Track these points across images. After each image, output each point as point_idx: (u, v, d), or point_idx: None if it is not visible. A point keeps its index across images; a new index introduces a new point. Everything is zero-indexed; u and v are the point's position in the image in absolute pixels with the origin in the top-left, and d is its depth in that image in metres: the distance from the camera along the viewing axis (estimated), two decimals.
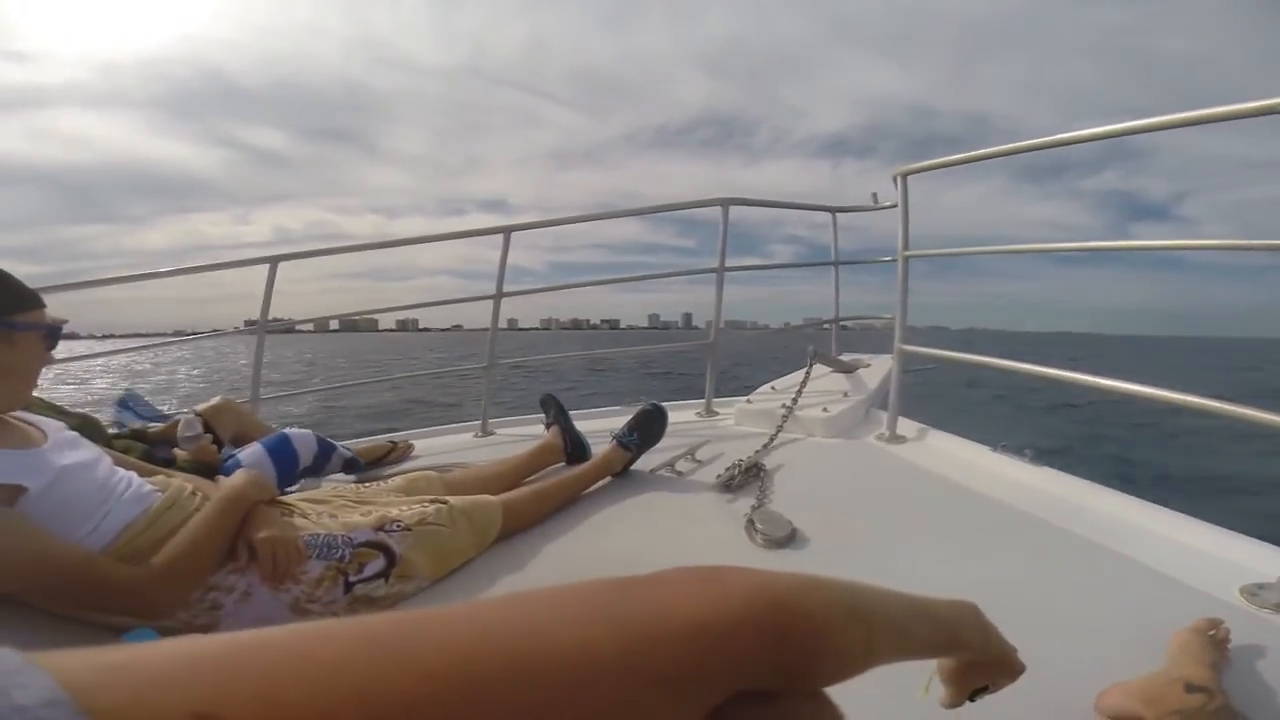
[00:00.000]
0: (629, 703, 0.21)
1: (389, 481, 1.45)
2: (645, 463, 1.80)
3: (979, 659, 0.43)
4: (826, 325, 3.16)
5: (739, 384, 2.79)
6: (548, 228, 2.87)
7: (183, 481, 1.14)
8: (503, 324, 2.46)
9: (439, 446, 2.22)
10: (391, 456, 2.02)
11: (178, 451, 1.58)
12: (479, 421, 2.41)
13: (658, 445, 1.84)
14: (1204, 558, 1.15)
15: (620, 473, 1.74)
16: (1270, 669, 0.83)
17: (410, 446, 2.11)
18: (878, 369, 2.64)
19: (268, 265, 2.34)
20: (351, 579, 1.09)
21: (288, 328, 2.53)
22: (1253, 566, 1.09)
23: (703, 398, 2.59)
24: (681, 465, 1.83)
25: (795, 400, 2.15)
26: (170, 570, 0.95)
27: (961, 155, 1.84)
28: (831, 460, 1.90)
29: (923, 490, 1.62)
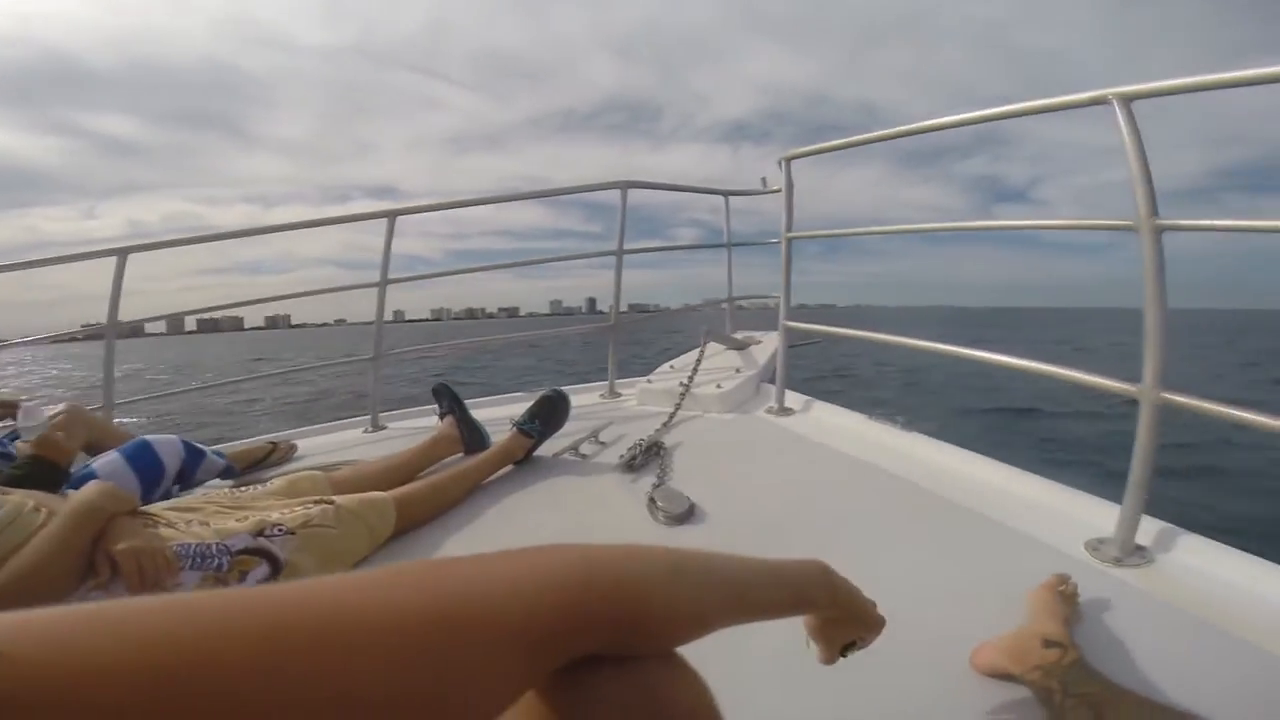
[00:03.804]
0: (438, 654, 0.22)
1: (269, 484, 1.35)
2: (549, 447, 1.79)
3: (834, 615, 0.46)
4: (724, 305, 3.27)
5: (647, 364, 2.83)
6: (440, 211, 2.74)
7: (23, 497, 1.00)
8: (388, 315, 2.33)
9: (325, 445, 2.09)
10: (272, 459, 1.88)
11: (19, 446, 1.40)
12: (368, 416, 2.29)
13: (561, 430, 1.84)
14: (1054, 515, 1.27)
15: (523, 460, 1.73)
16: (1114, 620, 0.92)
17: (293, 447, 1.97)
18: (768, 345, 2.77)
19: (115, 258, 2.06)
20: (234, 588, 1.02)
21: (135, 329, 2.24)
22: (1093, 522, 1.21)
23: (606, 379, 2.62)
24: (585, 448, 1.84)
25: (691, 378, 2.22)
26: (15, 590, 0.86)
27: (840, 141, 1.96)
28: (726, 435, 1.99)
29: (808, 460, 1.73)
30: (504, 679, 0.24)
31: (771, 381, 2.27)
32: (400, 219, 2.29)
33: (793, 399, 2.21)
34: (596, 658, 0.27)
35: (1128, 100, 1.14)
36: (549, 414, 1.79)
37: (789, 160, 2.12)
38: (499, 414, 2.05)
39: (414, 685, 0.21)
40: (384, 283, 2.28)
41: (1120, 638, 0.88)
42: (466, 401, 1.90)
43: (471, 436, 1.80)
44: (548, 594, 0.26)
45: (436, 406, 1.91)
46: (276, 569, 1.07)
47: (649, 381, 2.52)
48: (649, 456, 1.71)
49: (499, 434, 1.76)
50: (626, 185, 2.56)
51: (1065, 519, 1.25)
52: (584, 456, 1.80)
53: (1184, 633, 0.90)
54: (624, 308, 2.63)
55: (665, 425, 1.98)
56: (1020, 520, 1.26)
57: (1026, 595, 0.93)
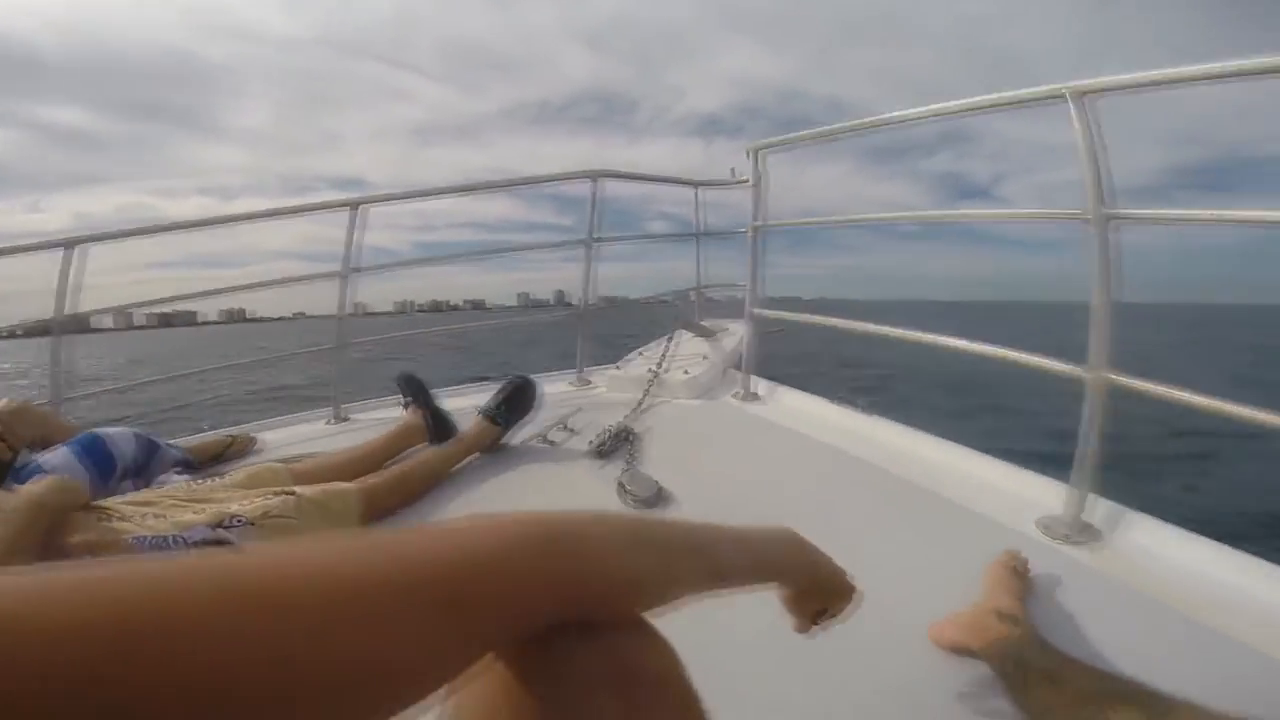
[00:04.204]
0: (386, 617, 0.22)
1: (227, 477, 1.32)
2: (517, 435, 1.78)
3: (806, 583, 0.47)
4: (691, 296, 3.29)
5: (620, 352, 2.82)
6: (407, 203, 2.67)
7: None
8: (350, 309, 2.26)
9: (287, 438, 2.04)
10: (230, 452, 1.82)
11: None
12: (330, 407, 2.24)
13: (531, 418, 1.83)
14: (1008, 495, 1.32)
15: (490, 448, 1.71)
16: (1065, 595, 0.96)
17: (252, 440, 1.92)
18: (736, 333, 2.80)
19: (62, 250, 1.95)
20: None
21: (81, 325, 2.10)
22: (1044, 501, 1.26)
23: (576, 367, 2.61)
24: (554, 435, 1.84)
25: (660, 365, 2.23)
26: None
27: (808, 132, 1.98)
28: (694, 420, 2.01)
29: (773, 443, 1.75)
30: (457, 643, 0.24)
31: (739, 368, 2.30)
32: (365, 210, 2.23)
33: (759, 384, 2.24)
34: (564, 625, 0.28)
35: (1082, 95, 1.18)
36: (517, 401, 1.77)
37: (757, 151, 2.14)
38: (465, 403, 2.03)
39: (359, 647, 0.21)
40: (347, 271, 2.22)
41: (1070, 611, 0.92)
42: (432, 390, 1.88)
43: (438, 426, 1.77)
44: (510, 558, 0.26)
45: (401, 396, 1.88)
46: None
47: (618, 368, 2.52)
48: (618, 442, 1.72)
49: (466, 423, 1.74)
50: (598, 174, 2.55)
51: (1019, 499, 1.30)
52: (553, 444, 1.80)
53: (1129, 606, 0.95)
54: (594, 299, 2.63)
55: (634, 411, 1.99)
56: (976, 500, 1.30)
57: (983, 571, 0.97)
